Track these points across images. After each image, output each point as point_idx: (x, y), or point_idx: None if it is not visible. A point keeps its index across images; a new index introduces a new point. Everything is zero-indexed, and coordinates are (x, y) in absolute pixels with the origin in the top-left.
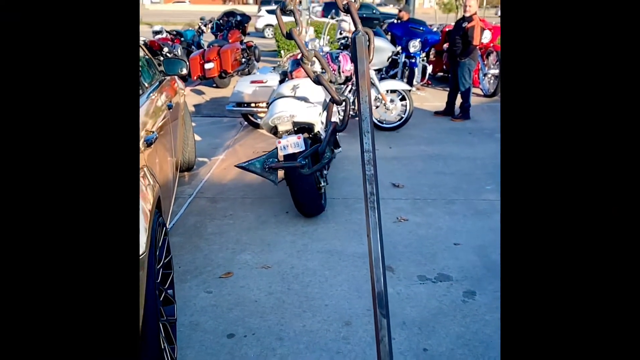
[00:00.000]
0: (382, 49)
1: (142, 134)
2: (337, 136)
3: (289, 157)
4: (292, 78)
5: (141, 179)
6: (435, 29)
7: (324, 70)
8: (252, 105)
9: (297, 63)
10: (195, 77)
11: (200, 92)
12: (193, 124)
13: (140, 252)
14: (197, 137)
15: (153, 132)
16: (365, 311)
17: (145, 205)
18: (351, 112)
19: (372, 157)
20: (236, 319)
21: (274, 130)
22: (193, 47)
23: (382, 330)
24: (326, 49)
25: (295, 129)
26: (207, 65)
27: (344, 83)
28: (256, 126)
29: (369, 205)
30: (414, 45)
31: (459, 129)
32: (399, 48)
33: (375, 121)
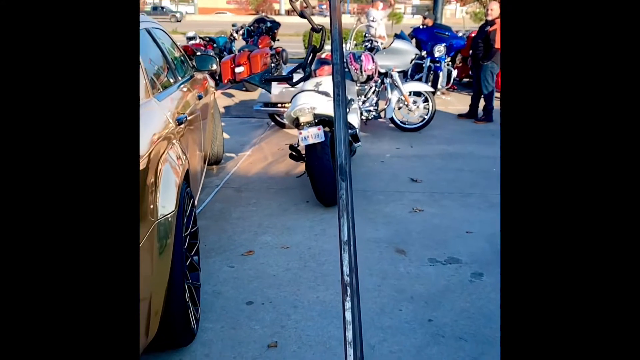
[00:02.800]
0: (405, 51)
1: (174, 114)
2: (358, 132)
3: (309, 148)
4: (316, 76)
5: (171, 150)
6: (461, 35)
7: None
8: (279, 105)
9: (321, 62)
10: (226, 81)
11: (230, 95)
12: (222, 124)
13: (170, 211)
14: (226, 135)
15: (183, 113)
16: (375, 287)
17: (174, 173)
18: (374, 113)
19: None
20: (255, 289)
21: (296, 122)
22: (225, 52)
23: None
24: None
25: (316, 120)
26: (238, 69)
27: (365, 82)
28: (282, 126)
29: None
30: (439, 50)
31: (481, 131)
32: (424, 53)
33: (398, 122)
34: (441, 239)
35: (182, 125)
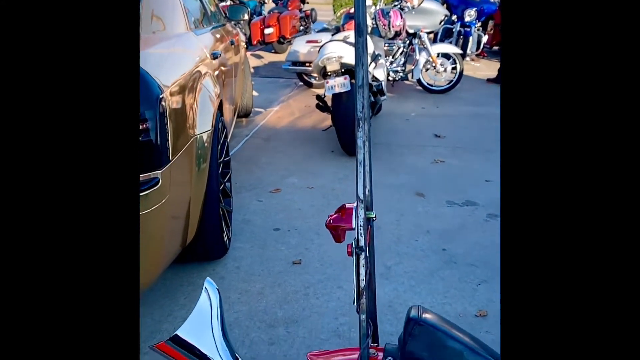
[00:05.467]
0: (434, 11)
1: (210, 48)
2: (383, 86)
3: (335, 97)
4: (344, 30)
5: (208, 78)
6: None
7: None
8: (307, 64)
9: (349, 17)
10: (255, 42)
11: (259, 57)
12: (252, 83)
13: (207, 129)
14: (255, 93)
15: (217, 50)
16: (393, 221)
17: (210, 99)
18: (401, 74)
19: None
20: (282, 219)
21: (323, 72)
22: (254, 16)
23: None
24: None
25: (343, 70)
26: (267, 31)
27: (393, 38)
28: (310, 85)
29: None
30: (470, 14)
31: None
32: (454, 17)
33: (425, 84)
34: (460, 186)
35: (216, 60)
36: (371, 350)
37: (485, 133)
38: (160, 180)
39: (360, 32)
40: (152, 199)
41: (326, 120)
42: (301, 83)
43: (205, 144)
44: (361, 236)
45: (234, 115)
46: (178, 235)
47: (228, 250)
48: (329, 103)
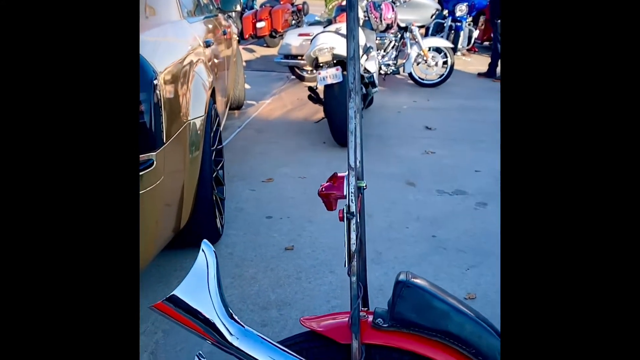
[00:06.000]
0: (426, 5)
1: (203, 37)
2: (375, 78)
3: (327, 88)
4: (336, 22)
5: (201, 65)
6: None
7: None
8: (299, 58)
9: (341, 9)
10: (247, 36)
11: (251, 51)
12: (244, 76)
13: (200, 114)
14: (247, 86)
15: (210, 39)
16: (384, 209)
17: (203, 85)
18: (393, 68)
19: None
20: (274, 207)
21: (315, 63)
22: (246, 10)
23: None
24: None
25: (335, 61)
26: (259, 24)
27: (384, 31)
28: (302, 79)
29: None
30: (461, 9)
31: (498, 89)
32: (445, 12)
33: (416, 77)
34: (450, 176)
35: (209, 49)
36: (361, 313)
37: (475, 125)
38: (155, 162)
39: (351, 5)
40: (147, 180)
41: (318, 112)
42: (293, 77)
43: (199, 130)
44: (352, 202)
45: (226, 107)
46: (172, 219)
47: (221, 237)
48: (321, 95)
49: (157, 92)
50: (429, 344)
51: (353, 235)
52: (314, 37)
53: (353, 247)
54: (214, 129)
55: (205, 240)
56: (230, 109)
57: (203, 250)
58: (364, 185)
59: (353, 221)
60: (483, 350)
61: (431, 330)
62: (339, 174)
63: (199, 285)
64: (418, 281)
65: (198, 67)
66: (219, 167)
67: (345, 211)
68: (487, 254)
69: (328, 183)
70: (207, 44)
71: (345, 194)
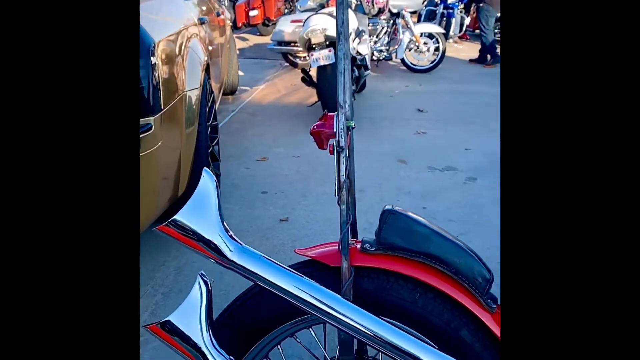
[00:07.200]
0: None
1: (197, 14)
2: (367, 61)
3: (320, 70)
4: (329, 7)
5: (195, 40)
6: None
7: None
8: (292, 44)
9: None
10: (240, 25)
11: (244, 39)
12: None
13: (196, 86)
14: (240, 72)
15: (204, 17)
16: (376, 184)
17: (198, 60)
18: (385, 54)
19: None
20: (269, 184)
21: (308, 45)
22: None
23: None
24: None
25: (327, 42)
26: (252, 13)
27: (376, 15)
28: (295, 65)
29: None
30: None
31: (489, 73)
32: None
33: (409, 63)
34: (441, 154)
35: (203, 25)
36: (350, 241)
37: (466, 108)
38: (153, 126)
39: None
40: (146, 143)
41: (312, 96)
42: (287, 63)
43: (194, 103)
44: (342, 138)
45: (219, 91)
46: (169, 186)
47: None
48: (315, 79)
49: (155, 58)
50: (413, 265)
51: (342, 167)
52: (307, 19)
53: (342, 178)
54: (209, 104)
55: (205, 168)
56: (224, 94)
57: (203, 177)
58: (353, 124)
59: (342, 154)
60: (462, 269)
61: (415, 252)
62: (329, 114)
63: (201, 207)
64: (403, 210)
65: (193, 41)
66: (214, 143)
67: (335, 145)
68: (476, 223)
69: (319, 122)
70: (202, 21)
71: (335, 131)
